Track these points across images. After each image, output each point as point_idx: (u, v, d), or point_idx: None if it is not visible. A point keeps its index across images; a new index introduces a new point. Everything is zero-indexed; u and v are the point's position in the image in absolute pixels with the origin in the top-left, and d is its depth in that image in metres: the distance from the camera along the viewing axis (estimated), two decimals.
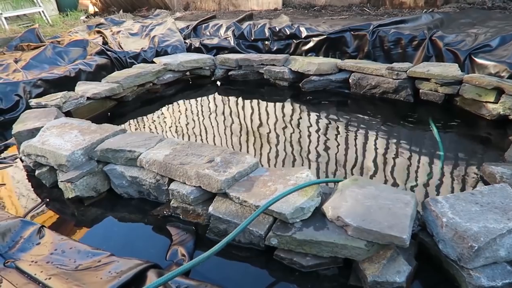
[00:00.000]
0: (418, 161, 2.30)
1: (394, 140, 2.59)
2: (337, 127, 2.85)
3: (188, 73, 4.18)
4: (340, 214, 1.45)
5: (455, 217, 1.39)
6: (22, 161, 2.47)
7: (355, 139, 2.64)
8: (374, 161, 2.34)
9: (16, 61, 3.93)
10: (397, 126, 2.83)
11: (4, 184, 2.39)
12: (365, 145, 2.55)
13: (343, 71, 3.53)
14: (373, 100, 3.31)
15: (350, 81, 3.45)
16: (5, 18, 6.93)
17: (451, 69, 2.98)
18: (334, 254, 1.44)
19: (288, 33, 4.33)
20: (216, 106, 3.50)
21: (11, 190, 2.34)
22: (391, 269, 1.36)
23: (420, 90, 3.11)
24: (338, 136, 2.71)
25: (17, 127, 2.49)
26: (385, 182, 2.12)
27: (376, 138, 2.62)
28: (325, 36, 4.08)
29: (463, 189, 2.01)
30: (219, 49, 4.61)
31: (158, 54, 4.56)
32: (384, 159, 2.35)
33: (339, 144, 2.58)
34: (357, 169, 2.28)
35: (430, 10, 4.88)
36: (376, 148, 2.49)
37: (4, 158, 2.69)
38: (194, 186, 1.76)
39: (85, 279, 1.16)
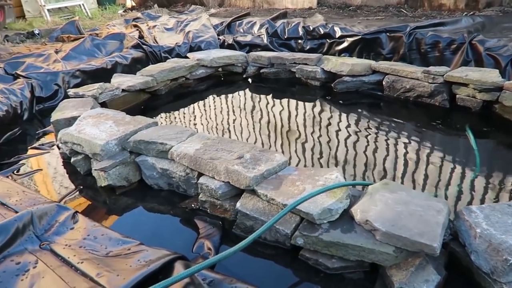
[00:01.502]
0: (452, 169, 2.23)
1: (427, 146, 2.52)
2: (368, 130, 2.80)
3: (220, 69, 4.22)
4: (369, 218, 1.42)
5: (490, 228, 1.34)
6: (59, 148, 2.57)
7: (386, 142, 2.59)
8: (405, 166, 2.29)
9: (56, 52, 4.08)
10: (430, 131, 2.75)
11: (41, 170, 2.49)
12: (396, 149, 2.50)
13: (377, 72, 3.46)
14: (406, 104, 3.24)
15: (383, 83, 3.38)
16: (48, 10, 7.21)
17: (491, 75, 2.87)
18: (361, 258, 1.42)
19: (322, 32, 4.29)
20: (247, 103, 3.51)
21: (47, 176, 2.43)
22: (420, 277, 1.33)
23: (457, 96, 3.01)
24: (369, 138, 2.66)
25: (55, 116, 2.59)
26: (416, 188, 2.07)
27: (408, 143, 2.56)
28: (360, 36, 4.01)
29: (498, 200, 1.94)
30: (252, 47, 4.63)
31: (191, 49, 4.63)
32: (415, 165, 2.29)
33: (369, 147, 2.54)
34: (387, 173, 2.24)
35: (471, 13, 4.71)
36: (407, 153, 2.43)
37: (42, 144, 2.80)
38: (223, 181, 1.78)
39: (115, 266, 1.20)
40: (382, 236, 1.37)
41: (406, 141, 2.59)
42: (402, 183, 2.12)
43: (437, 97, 3.09)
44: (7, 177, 2.11)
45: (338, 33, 4.18)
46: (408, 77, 3.22)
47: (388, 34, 3.91)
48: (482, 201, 1.93)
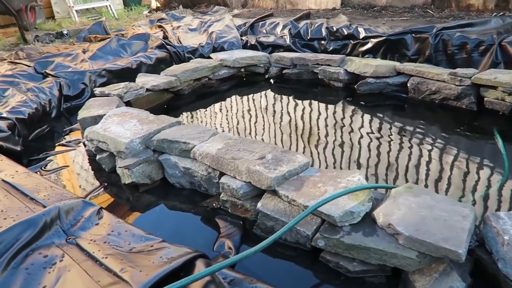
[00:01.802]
0: (478, 174, 2.17)
1: (453, 149, 2.46)
2: (391, 132, 2.76)
3: (242, 69, 4.24)
4: (392, 221, 1.40)
5: None
6: (85, 145, 2.63)
7: (410, 145, 2.55)
8: (429, 170, 2.24)
9: (84, 52, 4.19)
10: (457, 135, 2.68)
11: (67, 166, 2.56)
12: (420, 152, 2.45)
13: (401, 74, 3.41)
14: (432, 106, 3.17)
15: (408, 85, 3.32)
16: (76, 11, 7.40)
17: None
18: (383, 262, 1.40)
19: (346, 33, 4.25)
20: (269, 104, 3.51)
21: (73, 172, 2.50)
22: (443, 284, 1.30)
23: (485, 99, 2.92)
24: (392, 141, 2.62)
25: (82, 114, 2.65)
26: (440, 193, 2.02)
27: (433, 146, 2.51)
28: (384, 37, 3.95)
29: None
30: (274, 47, 4.62)
31: (214, 49, 4.66)
32: (440, 169, 2.24)
33: (392, 150, 2.50)
34: (410, 176, 2.19)
35: (501, 13, 4.57)
36: (431, 157, 2.38)
37: (69, 141, 2.88)
38: (244, 182, 1.79)
39: (138, 262, 1.22)
40: (405, 240, 1.35)
41: (431, 144, 2.54)
42: (426, 187, 2.08)
43: (464, 100, 3.01)
44: (36, 172, 2.18)
45: (362, 34, 4.13)
46: (434, 79, 3.15)
47: (413, 35, 3.83)
48: (511, 208, 1.87)
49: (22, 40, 5.42)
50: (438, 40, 3.67)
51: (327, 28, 4.42)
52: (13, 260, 1.23)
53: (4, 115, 2.69)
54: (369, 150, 2.51)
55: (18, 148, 2.48)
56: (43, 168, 2.50)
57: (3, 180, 1.75)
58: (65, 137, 2.98)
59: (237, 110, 3.41)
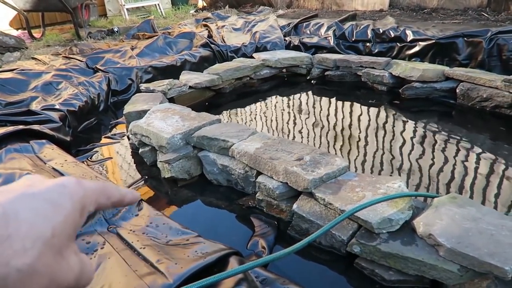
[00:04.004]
0: None
1: (503, 160, 2.32)
2: (436, 139, 2.65)
3: (284, 70, 4.23)
4: (433, 232, 1.35)
5: None
6: (128, 139, 2.73)
7: (456, 154, 2.43)
8: (475, 180, 2.13)
9: (132, 49, 4.35)
10: (508, 144, 2.53)
11: (111, 158, 2.67)
12: (467, 162, 2.33)
13: (450, 79, 3.26)
14: (482, 114, 3.01)
15: (457, 91, 3.18)
16: (127, 9, 7.69)
17: None
18: (421, 273, 1.35)
19: (392, 35, 4.13)
20: (309, 105, 3.48)
21: (116, 164, 2.60)
22: None
23: None
24: (436, 148, 2.52)
25: (128, 108, 2.76)
26: (486, 205, 1.92)
27: (481, 156, 2.38)
28: (434, 41, 3.80)
29: None
30: (317, 48, 4.58)
31: (257, 49, 4.69)
32: (487, 180, 2.13)
33: (436, 157, 2.40)
34: (454, 187, 2.10)
35: None
36: (479, 167, 2.26)
37: (114, 134, 3.00)
38: (281, 182, 1.78)
39: (174, 254, 1.25)
40: (446, 252, 1.29)
41: (479, 153, 2.41)
42: (471, 198, 1.98)
43: None
44: (83, 162, 2.29)
45: (410, 37, 4.00)
46: (486, 86, 2.99)
47: (465, 39, 3.66)
48: None
49: (76, 36, 5.71)
50: (493, 44, 3.48)
51: (373, 30, 4.31)
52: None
53: (57, 106, 2.85)
54: (412, 157, 2.43)
55: (68, 138, 2.62)
56: (89, 159, 2.61)
57: (53, 168, 1.85)
58: (111, 130, 3.11)
59: (277, 110, 3.41)
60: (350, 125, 2.99)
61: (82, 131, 3.03)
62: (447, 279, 1.30)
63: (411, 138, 2.69)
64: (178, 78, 3.57)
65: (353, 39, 4.44)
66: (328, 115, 3.23)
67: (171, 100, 3.28)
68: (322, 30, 4.78)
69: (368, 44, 4.32)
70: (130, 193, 0.53)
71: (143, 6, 8.42)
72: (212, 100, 3.67)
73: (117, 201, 0.51)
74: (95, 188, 0.47)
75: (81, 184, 0.44)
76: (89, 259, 0.46)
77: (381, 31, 4.23)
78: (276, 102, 3.62)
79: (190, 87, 3.45)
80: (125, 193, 0.52)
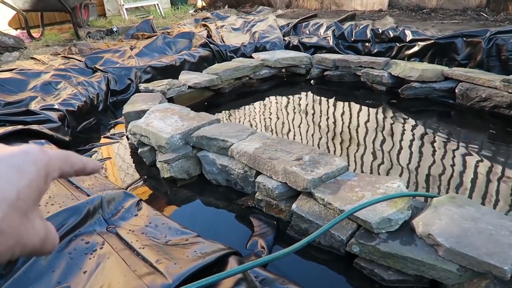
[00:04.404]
0: None
1: (501, 160, 2.33)
2: (435, 139, 2.65)
3: (283, 70, 4.23)
4: (432, 232, 1.35)
5: None
6: (128, 138, 2.73)
7: (454, 154, 2.44)
8: (474, 180, 2.13)
9: (131, 48, 4.34)
10: (506, 145, 2.54)
11: (110, 158, 2.67)
12: (466, 162, 2.33)
13: (449, 79, 3.27)
14: (481, 114, 3.01)
15: (456, 91, 3.18)
16: (126, 9, 7.69)
17: None
18: (420, 273, 1.35)
19: (392, 35, 4.13)
20: (308, 105, 3.49)
21: (115, 164, 2.60)
22: None
23: None
24: (435, 149, 2.52)
25: (127, 108, 2.75)
26: (485, 205, 1.92)
27: (479, 156, 2.39)
28: (433, 41, 3.80)
29: None
30: (317, 48, 4.58)
31: (257, 49, 4.69)
32: (486, 180, 2.13)
33: (435, 158, 2.40)
34: (453, 186, 2.10)
35: None
36: (477, 167, 2.27)
37: (113, 134, 3.00)
38: (280, 182, 1.78)
39: (173, 254, 1.25)
40: (446, 252, 1.29)
41: (477, 154, 2.42)
42: (470, 198, 1.98)
43: None
44: None
45: (409, 37, 4.00)
46: (485, 86, 3.00)
47: (464, 39, 3.66)
48: None
49: (75, 36, 5.71)
50: (492, 44, 3.49)
51: (372, 30, 4.32)
52: (58, 245, 1.30)
53: (56, 106, 2.85)
54: (411, 157, 2.43)
55: (67, 138, 2.62)
56: None
57: None
58: (110, 130, 3.11)
59: (276, 110, 3.41)
60: (349, 125, 2.99)
61: (81, 131, 3.03)
62: (446, 278, 1.30)
63: (410, 138, 2.69)
64: (177, 78, 3.57)
65: (352, 39, 4.44)
66: (327, 115, 3.23)
67: (170, 100, 3.28)
68: (321, 30, 4.78)
69: (367, 44, 4.33)
70: (92, 162, 0.54)
71: (142, 6, 8.41)
72: (211, 100, 3.67)
73: (80, 169, 0.52)
74: (59, 156, 0.48)
75: (44, 151, 0.46)
76: (53, 226, 0.47)
77: (380, 31, 4.23)
78: (276, 102, 3.62)
79: (189, 87, 3.45)
80: (86, 161, 0.53)
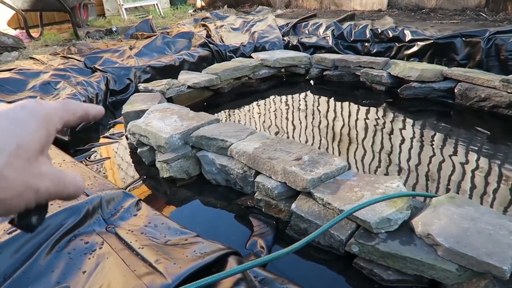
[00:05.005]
0: None
1: (500, 160, 2.33)
2: (434, 139, 2.65)
3: (283, 70, 4.23)
4: (431, 231, 1.35)
5: None
6: (127, 138, 2.73)
7: (453, 154, 2.44)
8: (473, 180, 2.14)
9: (130, 48, 4.34)
10: (506, 145, 2.54)
11: (109, 158, 2.66)
12: (465, 161, 2.34)
13: (448, 79, 3.27)
14: (480, 114, 3.02)
15: (455, 91, 3.18)
16: (125, 9, 7.68)
17: None
18: (420, 273, 1.35)
19: (391, 35, 4.13)
20: (308, 105, 3.49)
21: (114, 164, 2.60)
22: None
23: None
24: (434, 148, 2.52)
25: (126, 108, 2.75)
26: (484, 205, 1.92)
27: (479, 156, 2.39)
28: (432, 41, 3.81)
29: None
30: (316, 48, 4.58)
31: (256, 49, 4.68)
32: (485, 180, 2.13)
33: (434, 157, 2.41)
34: (452, 186, 2.10)
35: None
36: (477, 167, 2.27)
37: (113, 134, 3.00)
38: (280, 182, 1.78)
39: (172, 254, 1.25)
40: (445, 252, 1.29)
41: (477, 153, 2.42)
42: (469, 198, 1.98)
43: None
44: (81, 162, 2.28)
45: (408, 37, 4.00)
46: (484, 86, 3.00)
47: (464, 39, 3.66)
48: None
49: (74, 36, 5.70)
50: (491, 44, 3.49)
51: (371, 30, 4.32)
52: (57, 244, 1.29)
53: None
54: (410, 157, 2.43)
55: (66, 138, 2.61)
56: (87, 159, 2.61)
57: None
58: (109, 130, 3.11)
59: (276, 110, 3.41)
60: (348, 125, 2.99)
61: (80, 130, 3.03)
62: (445, 278, 1.31)
63: (410, 138, 2.69)
64: (176, 78, 3.57)
65: (351, 39, 4.44)
66: (327, 115, 3.23)
67: (170, 100, 3.27)
68: (321, 30, 4.78)
69: (366, 44, 4.33)
70: (93, 107, 0.54)
71: (141, 6, 8.40)
72: (211, 100, 3.67)
73: (83, 115, 0.52)
74: (57, 106, 0.49)
75: (41, 103, 0.47)
76: (75, 173, 0.48)
77: (379, 31, 4.23)
78: (275, 102, 3.62)
79: (189, 87, 3.45)
80: (87, 106, 0.53)
